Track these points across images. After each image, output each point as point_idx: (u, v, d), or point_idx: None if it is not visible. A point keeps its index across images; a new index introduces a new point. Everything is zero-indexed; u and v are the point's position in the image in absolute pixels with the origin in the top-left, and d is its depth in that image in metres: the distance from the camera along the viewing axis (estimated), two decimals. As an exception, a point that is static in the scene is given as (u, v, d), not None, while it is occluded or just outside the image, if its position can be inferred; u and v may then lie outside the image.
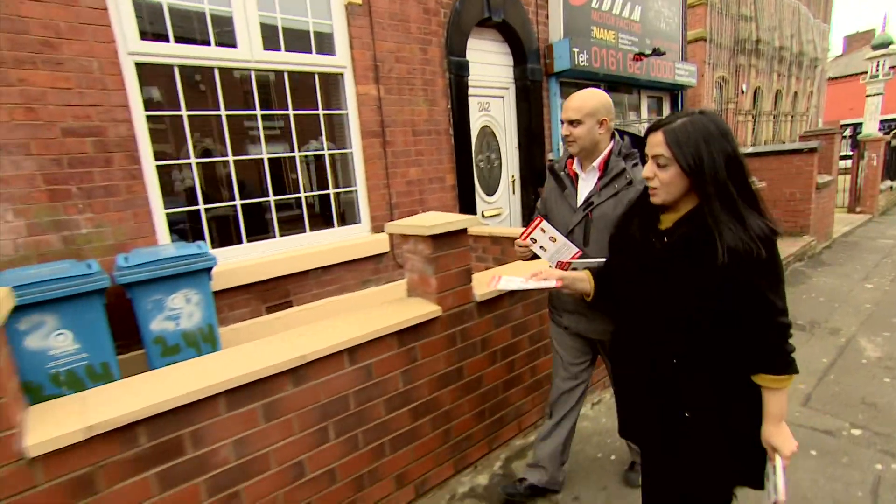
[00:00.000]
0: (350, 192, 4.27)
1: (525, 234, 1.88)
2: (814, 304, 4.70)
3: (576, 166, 1.93)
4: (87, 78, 2.91)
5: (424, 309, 2.14)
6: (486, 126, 5.39)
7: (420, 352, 2.17)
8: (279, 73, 3.75)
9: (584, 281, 1.61)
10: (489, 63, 5.26)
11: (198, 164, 3.46)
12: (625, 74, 6.44)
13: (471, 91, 4.94)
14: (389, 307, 2.19)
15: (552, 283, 1.60)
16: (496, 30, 5.27)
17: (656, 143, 1.22)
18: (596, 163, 1.86)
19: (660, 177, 1.23)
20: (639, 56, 6.58)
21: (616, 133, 1.90)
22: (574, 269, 1.77)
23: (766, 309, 1.15)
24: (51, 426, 1.36)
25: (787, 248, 6.46)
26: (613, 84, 6.85)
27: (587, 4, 5.94)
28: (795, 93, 16.18)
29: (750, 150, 7.48)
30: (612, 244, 1.49)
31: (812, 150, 6.75)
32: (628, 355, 1.42)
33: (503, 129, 5.58)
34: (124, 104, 3.04)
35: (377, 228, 4.30)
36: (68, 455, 1.37)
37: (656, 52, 6.66)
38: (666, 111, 8.17)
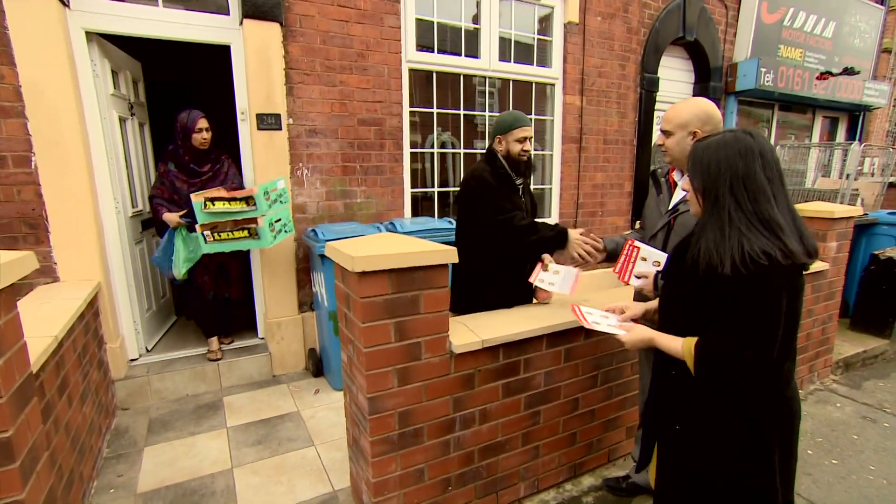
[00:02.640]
0: (544, 189, 4.79)
1: (625, 272, 1.94)
2: None
3: (676, 173, 1.97)
4: (380, 80, 3.68)
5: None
6: None
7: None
8: (505, 81, 4.35)
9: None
10: (674, 80, 5.51)
11: (438, 153, 4.17)
12: (806, 94, 6.29)
13: (658, 105, 5.23)
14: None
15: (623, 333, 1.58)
16: (684, 48, 5.49)
17: None
18: None
19: (689, 190, 1.33)
20: (825, 75, 6.37)
21: None
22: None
23: (725, 329, 1.18)
24: (460, 336, 1.99)
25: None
26: (787, 104, 6.71)
27: (779, 22, 5.91)
28: None
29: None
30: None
31: None
32: (653, 362, 1.53)
33: (676, 142, 5.78)
34: (399, 101, 3.79)
35: (564, 224, 4.78)
36: (467, 357, 1.99)
37: (848, 72, 6.39)
38: (841, 136, 7.74)
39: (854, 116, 7.66)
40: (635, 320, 1.69)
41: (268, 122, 3.30)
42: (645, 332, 1.45)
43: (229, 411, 3.06)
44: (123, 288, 3.27)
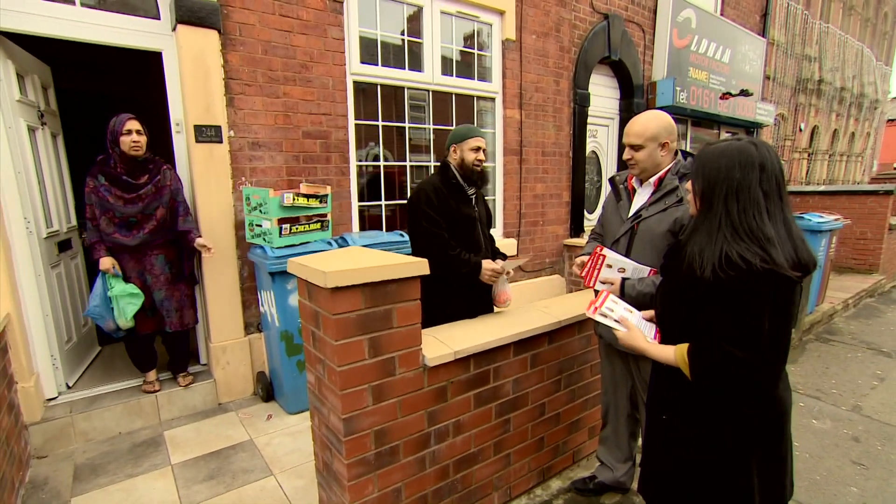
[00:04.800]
0: (488, 200, 4.90)
1: (590, 277, 1.99)
2: (894, 335, 5.11)
3: (634, 181, 2.03)
4: (324, 93, 3.61)
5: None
6: (594, 151, 5.99)
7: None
8: (448, 95, 4.41)
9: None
10: (602, 96, 5.90)
11: (385, 166, 4.14)
12: (712, 111, 6.95)
13: (588, 120, 5.55)
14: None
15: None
16: (610, 67, 5.89)
17: None
18: (652, 179, 1.94)
19: (690, 191, 1.36)
20: (727, 95, 7.09)
21: (679, 153, 1.97)
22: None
23: (715, 329, 1.21)
24: (433, 349, 1.97)
25: (857, 284, 6.84)
26: (698, 120, 7.38)
27: (687, 47, 6.51)
28: (853, 133, 16.35)
29: (822, 188, 7.89)
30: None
31: (888, 193, 7.14)
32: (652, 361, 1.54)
33: (605, 155, 6.17)
34: (344, 114, 3.73)
35: (508, 234, 4.91)
36: (440, 370, 1.97)
37: (744, 93, 7.17)
38: None
39: (750, 132, 8.59)
40: None
41: (207, 134, 3.11)
42: (639, 342, 1.48)
43: (173, 446, 2.80)
44: (38, 318, 2.91)
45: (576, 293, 3.06)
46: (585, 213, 5.90)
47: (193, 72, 3.04)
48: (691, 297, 1.26)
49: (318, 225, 3.25)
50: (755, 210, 1.18)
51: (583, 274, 2.03)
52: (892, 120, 23.45)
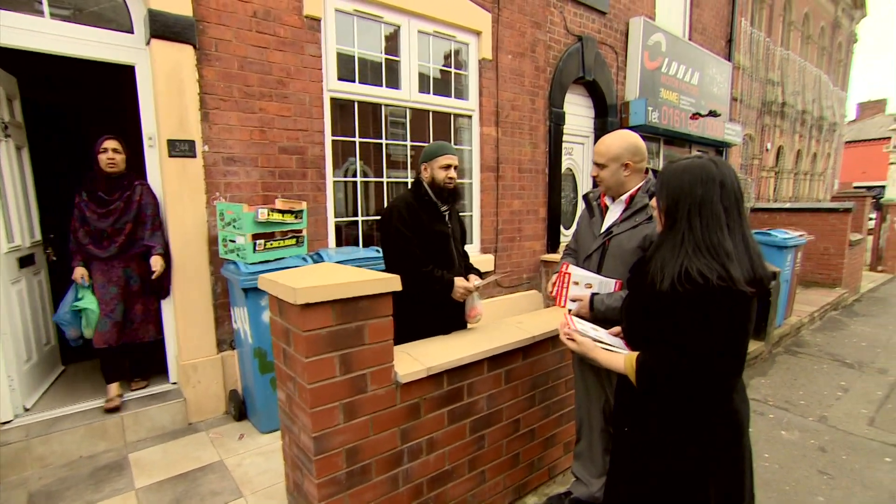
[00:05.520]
0: (465, 216, 4.94)
1: (560, 297, 2.01)
2: (858, 348, 5.29)
3: (607, 198, 2.10)
4: (301, 108, 3.61)
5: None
6: (569, 168, 6.12)
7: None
8: (425, 112, 4.47)
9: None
10: (577, 115, 6.05)
11: (362, 182, 4.14)
12: (682, 131, 7.18)
13: (564, 138, 5.68)
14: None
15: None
16: (584, 87, 6.06)
17: None
18: (624, 196, 2.02)
19: (655, 207, 1.40)
20: (696, 115, 7.34)
21: (651, 172, 2.05)
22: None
23: (668, 339, 1.24)
24: (405, 366, 1.96)
25: (822, 297, 7.08)
26: (670, 139, 7.62)
27: (658, 69, 6.74)
28: (815, 154, 17.06)
29: (788, 205, 8.19)
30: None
31: (847, 210, 7.45)
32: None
33: (581, 172, 6.30)
34: (321, 130, 3.73)
35: (485, 250, 4.95)
36: (413, 387, 1.96)
37: (713, 114, 7.44)
38: None
39: (719, 151, 8.90)
40: None
41: (180, 148, 3.08)
42: (589, 350, 1.52)
43: (137, 469, 2.70)
44: (-4, 337, 2.80)
45: (551, 308, 3.09)
46: (562, 228, 6.00)
47: (167, 86, 3.02)
48: (653, 309, 1.29)
49: (294, 241, 3.23)
50: (716, 225, 1.21)
51: (553, 294, 2.06)
52: (850, 142, 24.60)
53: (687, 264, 1.19)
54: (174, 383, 3.37)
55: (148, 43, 3.02)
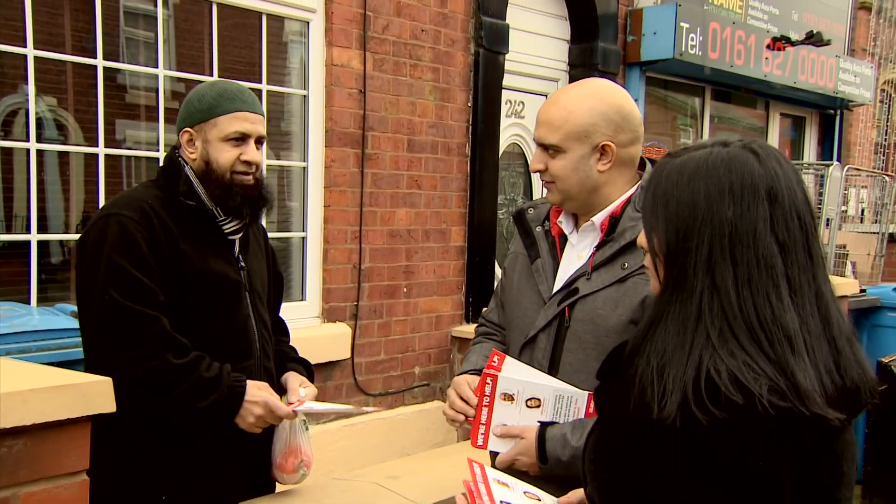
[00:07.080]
0: (288, 238, 2.97)
1: (477, 427, 1.21)
2: None
3: (563, 219, 1.28)
4: None
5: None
6: (516, 144, 3.90)
7: None
8: (205, 3, 2.74)
9: None
10: (536, 33, 3.82)
11: (42, 151, 2.40)
12: (754, 74, 4.64)
13: (505, 80, 3.54)
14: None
15: None
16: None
17: None
18: (598, 217, 1.21)
19: (645, 249, 0.93)
20: (780, 42, 4.68)
21: (649, 164, 1.25)
22: None
23: None
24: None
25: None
26: (724, 89, 5.16)
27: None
28: None
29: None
30: None
31: None
32: None
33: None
34: None
35: (332, 314, 2.92)
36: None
37: (814, 39, 4.70)
38: (810, 148, 5.96)
39: (827, 117, 5.97)
40: None
41: None
42: None
43: None
44: None
45: (463, 442, 2.13)
46: (497, 268, 3.75)
47: None
48: (646, 458, 0.76)
49: None
50: (766, 281, 0.70)
51: (468, 421, 1.25)
52: None
53: (712, 364, 0.67)
54: None
55: None
